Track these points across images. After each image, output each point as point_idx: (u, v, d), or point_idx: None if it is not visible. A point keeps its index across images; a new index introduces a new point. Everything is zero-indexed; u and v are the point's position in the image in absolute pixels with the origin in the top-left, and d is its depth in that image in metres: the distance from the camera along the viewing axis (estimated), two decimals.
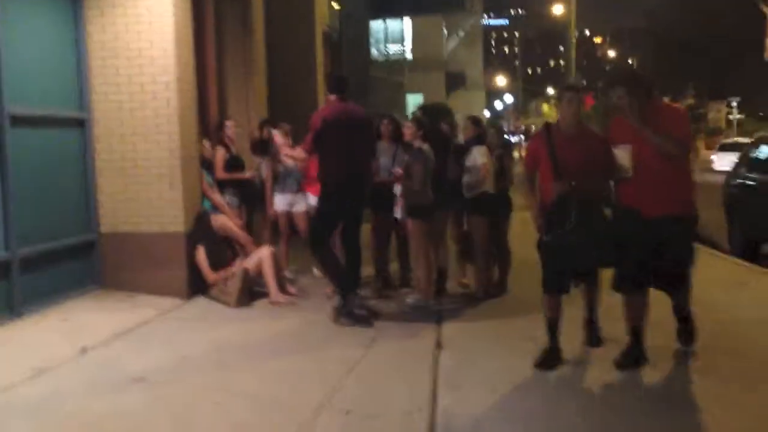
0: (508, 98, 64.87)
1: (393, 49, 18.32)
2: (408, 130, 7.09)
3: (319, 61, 11.37)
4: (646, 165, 4.67)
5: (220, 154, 7.69)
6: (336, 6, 13.03)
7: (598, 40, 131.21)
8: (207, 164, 7.51)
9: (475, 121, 7.45)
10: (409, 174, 6.79)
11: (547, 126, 5.13)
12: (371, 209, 7.36)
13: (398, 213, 7.19)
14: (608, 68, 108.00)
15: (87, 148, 6.96)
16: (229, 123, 7.96)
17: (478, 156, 7.11)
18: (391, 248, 7.67)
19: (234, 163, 7.95)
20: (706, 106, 49.43)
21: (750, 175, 10.00)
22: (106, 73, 6.91)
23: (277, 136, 7.38)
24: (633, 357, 4.88)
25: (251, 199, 8.16)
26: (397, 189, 7.16)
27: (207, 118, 7.88)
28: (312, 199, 7.35)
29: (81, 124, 6.94)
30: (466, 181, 7.12)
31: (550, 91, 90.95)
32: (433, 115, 9.07)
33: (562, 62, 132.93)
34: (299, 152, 6.62)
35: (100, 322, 6.08)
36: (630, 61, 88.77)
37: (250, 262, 7.01)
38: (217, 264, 7.02)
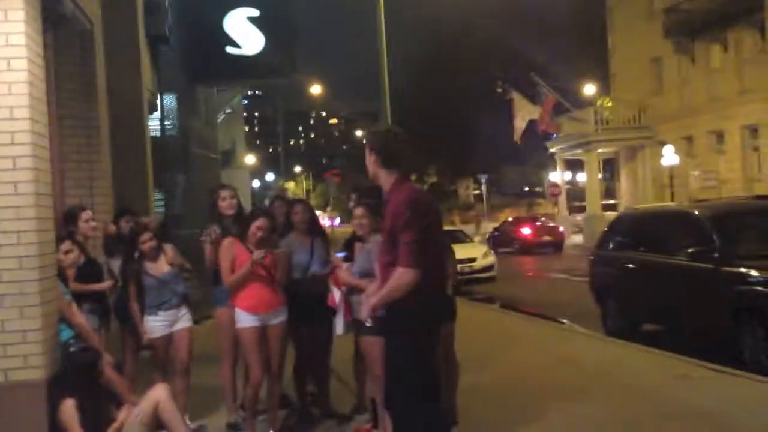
0: (270, 176, 64.12)
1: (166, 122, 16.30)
2: (362, 223, 5.40)
3: (147, 134, 9.30)
4: None
5: (72, 258, 5.46)
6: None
7: (334, 121, 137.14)
8: (59, 273, 5.23)
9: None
10: (366, 274, 5.19)
11: None
12: (292, 320, 5.69)
13: (340, 327, 5.52)
14: (345, 147, 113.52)
15: None
16: (85, 214, 5.75)
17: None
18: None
19: (89, 270, 5.74)
20: (455, 183, 52.81)
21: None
22: None
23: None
24: None
25: (106, 317, 5.98)
26: (336, 293, 5.52)
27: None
28: (244, 318, 5.36)
29: None
30: None
31: (297, 169, 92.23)
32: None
33: (301, 141, 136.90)
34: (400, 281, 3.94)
35: None
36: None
37: (141, 412, 4.85)
38: (94, 423, 4.74)
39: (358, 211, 5.44)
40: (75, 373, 4.78)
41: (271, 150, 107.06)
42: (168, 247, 5.94)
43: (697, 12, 25.78)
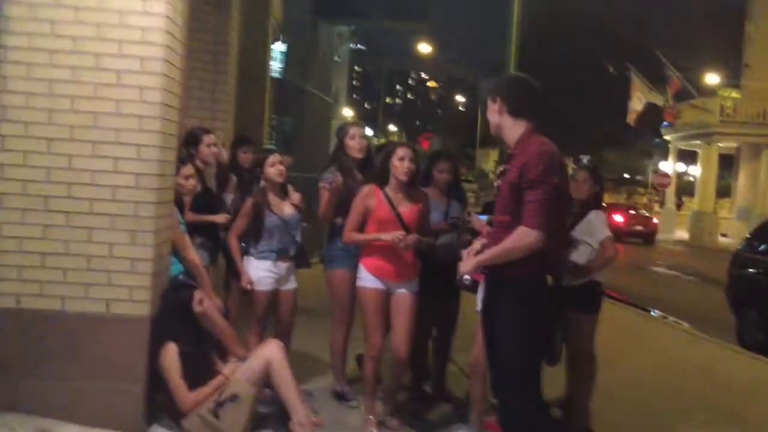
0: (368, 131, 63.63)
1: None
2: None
3: (268, 65, 8.68)
4: None
5: (192, 184, 4.85)
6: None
7: (432, 84, 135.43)
8: (176, 200, 4.63)
9: (594, 173, 5.20)
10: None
11: None
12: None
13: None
14: (440, 112, 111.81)
15: None
16: (208, 138, 5.15)
17: (600, 226, 4.91)
18: None
19: (205, 200, 5.15)
20: None
21: None
22: (33, 32, 3.92)
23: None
24: None
25: (215, 254, 5.40)
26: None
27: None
28: (366, 277, 4.62)
29: None
30: (575, 262, 4.87)
31: (392, 127, 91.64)
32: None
33: (398, 100, 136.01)
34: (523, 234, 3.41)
35: None
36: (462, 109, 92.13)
37: (250, 369, 4.23)
38: (196, 375, 4.15)
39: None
40: (182, 315, 4.19)
41: (366, 106, 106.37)
42: (291, 188, 5.23)
43: None
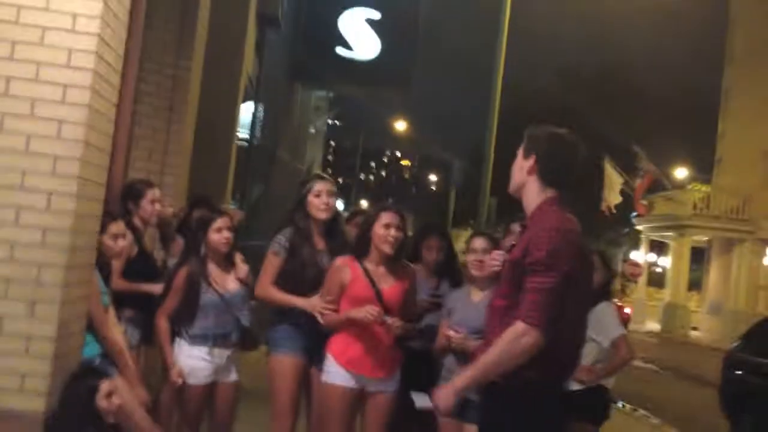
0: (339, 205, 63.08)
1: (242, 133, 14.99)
2: (481, 261, 3.94)
3: (235, 124, 7.98)
4: None
5: (122, 245, 4.00)
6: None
7: (406, 162, 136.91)
8: (99, 264, 3.76)
9: (605, 258, 4.48)
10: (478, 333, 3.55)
11: None
12: None
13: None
14: (414, 190, 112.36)
15: None
16: (151, 193, 4.35)
17: (612, 321, 4.16)
18: None
19: (141, 266, 4.30)
20: None
21: None
22: None
23: None
24: None
25: (150, 333, 4.50)
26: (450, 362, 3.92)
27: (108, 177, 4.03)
28: (334, 371, 3.78)
29: None
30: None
31: (364, 203, 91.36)
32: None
33: (372, 177, 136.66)
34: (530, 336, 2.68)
35: None
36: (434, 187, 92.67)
37: None
38: None
39: (479, 242, 3.91)
40: (87, 410, 3.26)
41: (340, 181, 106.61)
42: (239, 258, 4.34)
43: None
